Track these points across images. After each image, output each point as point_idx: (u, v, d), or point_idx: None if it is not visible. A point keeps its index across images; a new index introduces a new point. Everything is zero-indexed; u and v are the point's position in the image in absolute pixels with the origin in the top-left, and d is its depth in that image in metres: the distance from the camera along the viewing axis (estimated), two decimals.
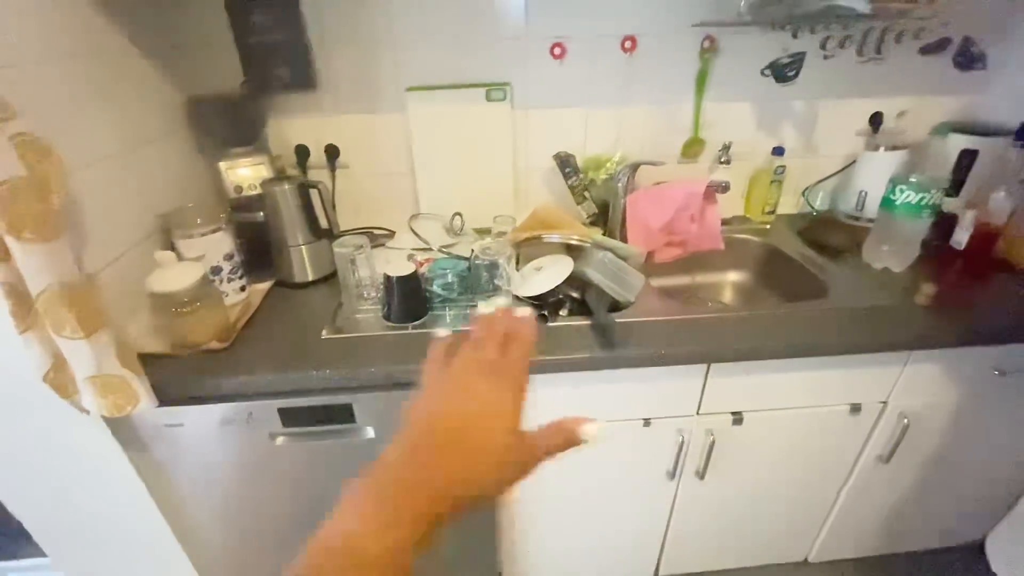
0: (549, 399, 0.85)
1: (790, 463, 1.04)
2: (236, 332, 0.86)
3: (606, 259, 0.96)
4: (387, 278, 0.84)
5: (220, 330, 0.83)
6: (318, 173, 1.19)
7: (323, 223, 1.01)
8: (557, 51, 1.10)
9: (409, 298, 0.85)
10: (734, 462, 1.00)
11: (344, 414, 0.82)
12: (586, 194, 1.18)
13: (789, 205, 1.32)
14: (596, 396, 0.88)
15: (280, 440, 0.85)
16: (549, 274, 0.93)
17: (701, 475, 1.00)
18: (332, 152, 1.17)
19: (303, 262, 1.01)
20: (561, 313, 0.92)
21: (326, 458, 0.87)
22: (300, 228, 0.99)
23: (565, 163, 1.17)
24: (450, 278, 0.89)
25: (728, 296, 1.23)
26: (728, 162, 1.20)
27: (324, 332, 0.86)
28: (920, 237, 0.99)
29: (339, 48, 1.08)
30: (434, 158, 1.17)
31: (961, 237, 0.96)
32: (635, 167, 1.09)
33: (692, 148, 1.21)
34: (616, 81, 1.14)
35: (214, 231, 0.88)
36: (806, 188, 1.30)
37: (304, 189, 0.97)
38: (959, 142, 1.13)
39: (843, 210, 1.25)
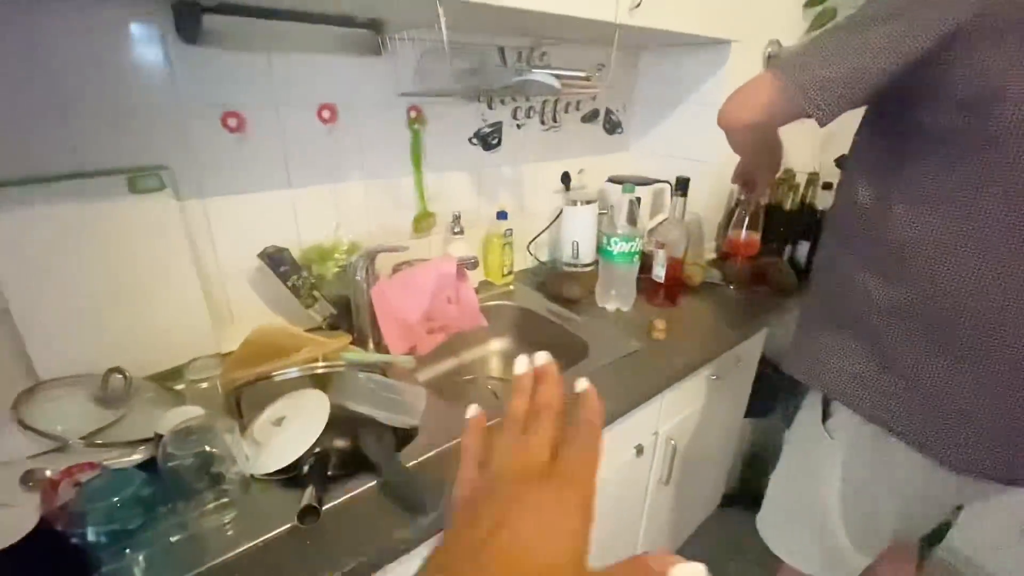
0: None
1: (608, 520, 1.02)
2: None
3: (370, 381, 0.74)
4: None
5: None
6: None
7: None
8: (232, 122, 0.83)
9: None
10: None
11: None
12: (315, 294, 0.93)
13: (518, 262, 1.37)
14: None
15: None
16: (298, 427, 0.65)
17: None
18: None
19: None
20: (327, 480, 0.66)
21: None
22: None
23: (278, 261, 0.90)
24: (121, 504, 0.51)
25: (497, 367, 1.16)
26: (461, 232, 1.15)
27: None
28: (634, 277, 1.13)
29: None
30: (47, 289, 0.72)
31: (660, 272, 1.13)
32: (372, 255, 0.91)
33: (423, 222, 1.11)
34: (321, 155, 0.94)
35: None
36: (529, 243, 1.36)
37: None
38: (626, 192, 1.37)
39: (563, 259, 1.35)
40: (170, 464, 0.52)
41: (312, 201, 0.95)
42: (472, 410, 0.31)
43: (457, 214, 1.14)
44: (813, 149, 1.65)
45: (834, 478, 0.77)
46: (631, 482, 1.04)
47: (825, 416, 0.78)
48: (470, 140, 1.15)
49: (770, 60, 1.34)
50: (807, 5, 1.37)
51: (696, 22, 1.04)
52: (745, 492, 1.64)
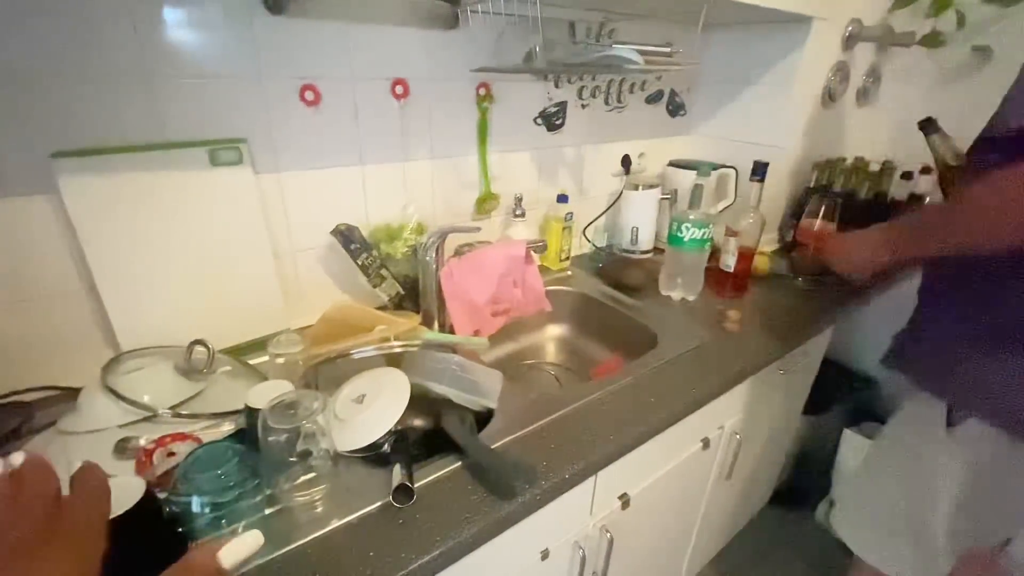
0: None
1: (667, 515, 1.00)
2: None
3: (448, 361, 0.73)
4: None
5: None
6: None
7: None
8: (309, 95, 0.81)
9: (137, 551, 0.44)
10: (628, 546, 0.90)
11: None
12: (383, 272, 0.93)
13: (573, 247, 1.33)
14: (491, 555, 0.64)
15: None
16: (380, 405, 0.64)
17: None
18: None
19: None
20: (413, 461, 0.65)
21: None
22: None
23: (348, 238, 0.89)
24: (224, 475, 0.51)
25: (554, 354, 1.14)
26: (523, 214, 1.12)
27: None
28: (704, 266, 1.09)
29: None
30: (130, 260, 0.73)
31: (729, 261, 1.09)
32: (443, 235, 0.89)
33: (486, 204, 1.09)
34: (392, 132, 0.92)
35: None
36: (585, 228, 1.33)
37: None
38: (690, 177, 1.32)
39: (620, 245, 1.32)
40: (270, 438, 0.52)
41: (382, 179, 0.94)
42: None
43: (519, 196, 1.11)
44: (889, 135, 1.57)
45: (952, 483, 0.73)
46: (694, 476, 1.02)
47: (949, 422, 0.73)
48: (535, 120, 1.12)
49: (849, 40, 1.26)
50: None
51: None
52: (794, 489, 1.60)
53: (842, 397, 1.50)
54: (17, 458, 0.30)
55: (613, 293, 1.12)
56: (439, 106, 0.96)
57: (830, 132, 1.38)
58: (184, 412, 0.65)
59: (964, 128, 1.43)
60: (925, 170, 1.33)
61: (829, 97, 1.32)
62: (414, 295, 0.94)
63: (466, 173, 1.06)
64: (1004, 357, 0.65)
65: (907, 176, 1.23)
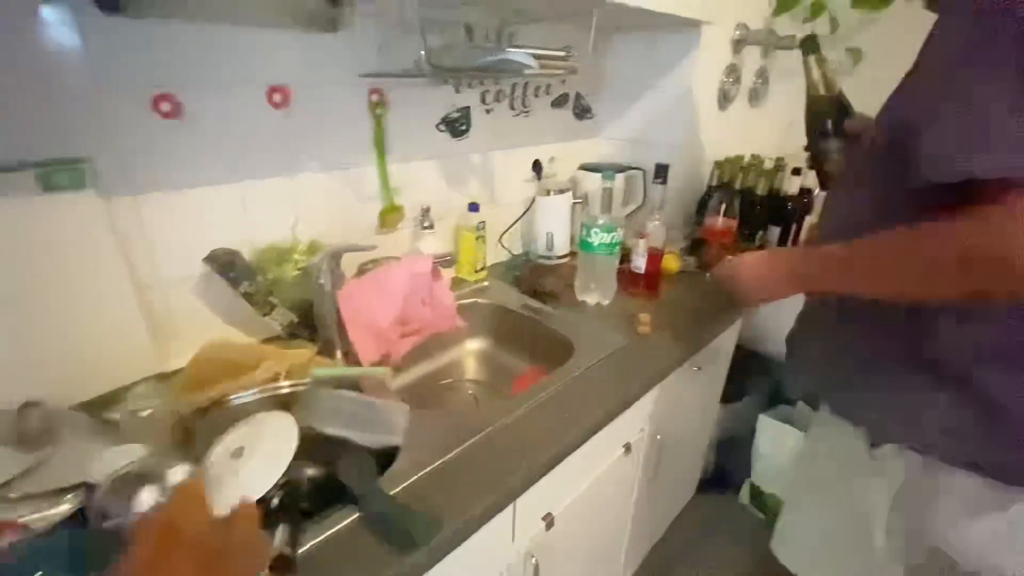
0: None
1: (596, 526, 0.99)
2: None
3: (343, 398, 0.66)
4: None
5: None
6: None
7: None
8: (165, 106, 0.71)
9: None
10: (559, 566, 0.87)
11: None
12: (272, 300, 0.84)
13: (490, 256, 1.30)
14: None
15: None
16: (262, 458, 0.57)
17: None
18: None
19: None
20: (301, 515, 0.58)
21: None
22: None
23: (227, 266, 0.79)
24: None
25: (474, 370, 1.10)
26: (431, 226, 1.07)
27: None
28: (615, 269, 1.09)
29: None
30: None
31: (639, 263, 1.09)
32: (337, 255, 0.82)
33: (390, 217, 1.02)
34: (273, 144, 0.83)
35: None
36: (500, 236, 1.30)
37: None
38: (595, 179, 1.32)
39: (536, 251, 1.30)
40: (105, 525, 0.43)
41: (265, 196, 0.85)
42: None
43: (426, 207, 1.06)
44: (778, 134, 1.67)
45: (884, 500, 0.70)
46: (620, 482, 1.01)
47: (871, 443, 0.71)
48: (437, 127, 1.07)
49: (738, 44, 1.32)
50: None
51: (671, 1, 1.00)
52: (720, 475, 1.67)
53: (756, 383, 1.58)
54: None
55: (530, 302, 1.09)
56: (328, 114, 0.88)
57: (727, 131, 1.44)
58: (12, 495, 0.53)
59: None
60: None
61: (724, 98, 1.37)
62: (311, 323, 0.86)
63: (365, 185, 0.99)
64: (904, 377, 0.64)
65: (796, 172, 1.30)
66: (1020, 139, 0.46)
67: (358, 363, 0.82)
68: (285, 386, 0.65)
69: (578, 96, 1.36)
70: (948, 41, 0.54)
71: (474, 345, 1.12)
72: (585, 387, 0.82)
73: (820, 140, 0.85)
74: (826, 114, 0.83)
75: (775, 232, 1.34)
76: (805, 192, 1.38)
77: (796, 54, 1.44)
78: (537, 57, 0.83)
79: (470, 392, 1.03)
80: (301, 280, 0.85)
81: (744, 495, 1.64)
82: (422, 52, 0.75)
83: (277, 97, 0.81)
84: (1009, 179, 0.46)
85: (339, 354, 0.85)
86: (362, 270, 0.97)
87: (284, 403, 0.65)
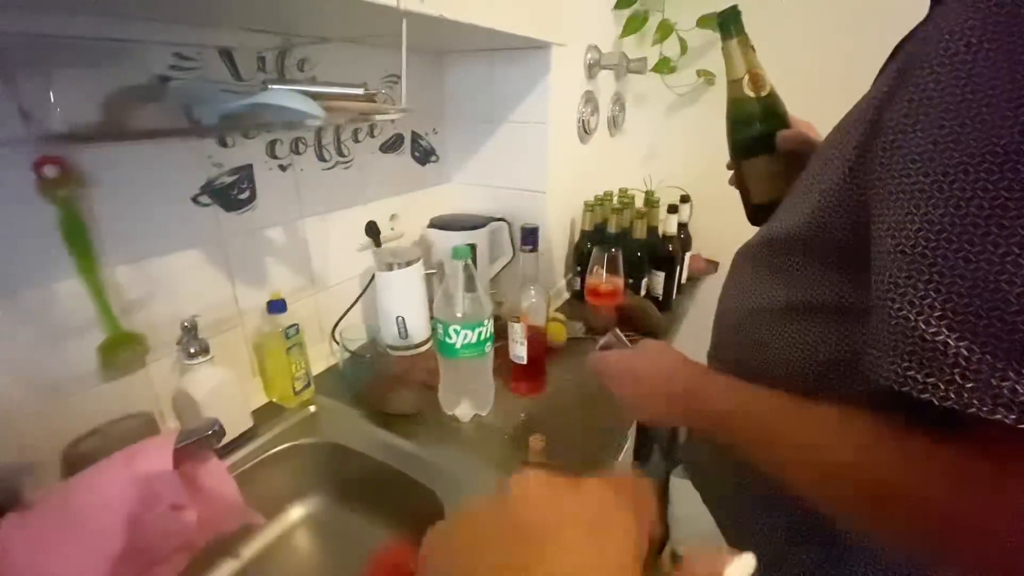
0: None
1: None
2: None
3: None
4: None
5: None
6: None
7: None
8: None
9: None
10: None
11: None
12: None
13: (320, 359, 0.95)
14: None
15: None
16: None
17: None
18: None
19: None
20: None
21: None
22: None
23: None
24: None
25: (305, 556, 0.74)
26: (206, 351, 0.69)
27: None
28: (490, 369, 0.81)
29: None
30: None
31: (520, 352, 0.83)
32: None
33: (121, 352, 0.63)
34: None
35: None
36: (333, 329, 0.95)
37: None
38: (455, 239, 1.05)
39: (385, 341, 0.97)
40: None
41: None
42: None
43: (190, 323, 0.68)
44: (637, 166, 1.55)
45: None
46: None
47: None
48: (196, 199, 0.70)
49: (591, 68, 1.15)
50: (617, 7, 1.22)
51: (509, 18, 0.76)
52: None
53: (661, 441, 1.42)
54: None
55: (377, 433, 0.77)
56: None
57: (591, 166, 1.27)
58: None
59: (695, 148, 1.47)
60: (684, 199, 1.31)
61: (584, 130, 1.19)
62: None
63: (65, 310, 0.59)
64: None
65: (672, 210, 1.16)
66: None
67: None
68: None
69: (415, 137, 1.08)
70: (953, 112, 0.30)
71: (303, 511, 0.76)
72: None
73: (744, 155, 0.65)
74: (753, 122, 0.62)
75: (659, 278, 1.18)
76: (682, 228, 1.25)
77: (649, 77, 1.32)
78: (321, 97, 0.53)
79: None
80: None
81: (665, 563, 1.46)
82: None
83: None
84: None
85: None
86: (67, 459, 0.56)
87: None
